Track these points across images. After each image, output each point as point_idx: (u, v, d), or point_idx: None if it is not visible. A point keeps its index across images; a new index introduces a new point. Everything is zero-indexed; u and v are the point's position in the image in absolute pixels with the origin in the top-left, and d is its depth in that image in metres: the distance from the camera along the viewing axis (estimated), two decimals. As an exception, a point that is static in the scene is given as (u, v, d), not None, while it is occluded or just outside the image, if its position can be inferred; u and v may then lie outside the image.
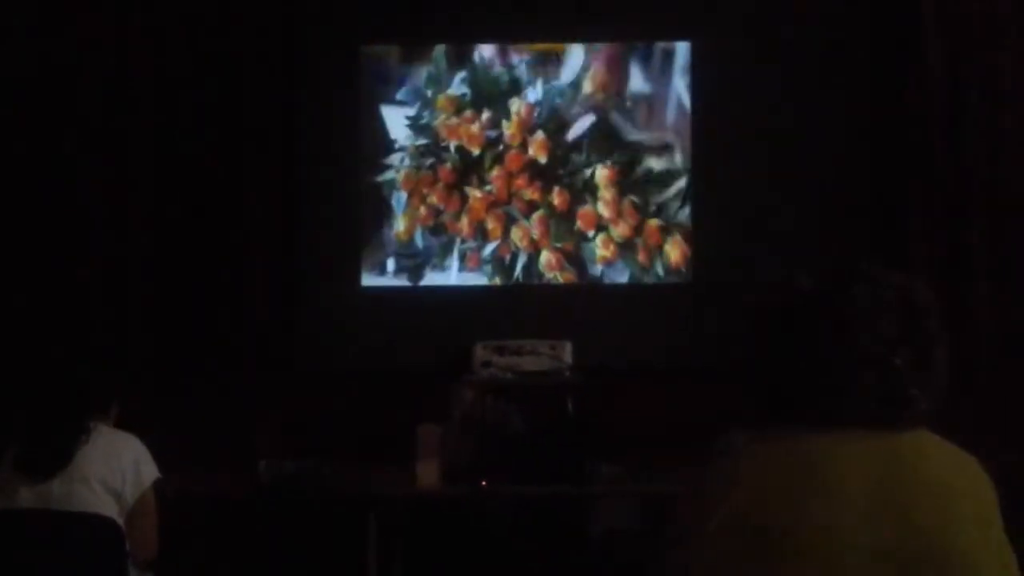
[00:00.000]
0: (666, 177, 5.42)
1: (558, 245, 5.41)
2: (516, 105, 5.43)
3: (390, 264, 5.45)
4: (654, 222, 5.40)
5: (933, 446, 1.57)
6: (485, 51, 5.44)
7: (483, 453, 4.50)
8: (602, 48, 5.41)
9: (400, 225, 5.44)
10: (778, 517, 1.47)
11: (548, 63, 5.44)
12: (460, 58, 5.44)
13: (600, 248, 5.40)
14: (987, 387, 4.90)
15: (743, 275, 4.98)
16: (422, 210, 5.44)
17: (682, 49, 5.40)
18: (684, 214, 5.40)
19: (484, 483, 4.41)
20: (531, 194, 5.43)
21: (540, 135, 5.43)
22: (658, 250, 5.41)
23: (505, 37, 5.44)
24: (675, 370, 5.17)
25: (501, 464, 4.47)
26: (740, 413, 1.64)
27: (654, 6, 5.42)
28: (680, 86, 5.41)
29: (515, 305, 5.35)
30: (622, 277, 5.41)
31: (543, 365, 4.91)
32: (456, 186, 5.45)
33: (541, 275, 5.42)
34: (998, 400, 4.89)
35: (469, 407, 4.64)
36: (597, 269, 5.41)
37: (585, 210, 5.42)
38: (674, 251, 5.40)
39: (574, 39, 5.42)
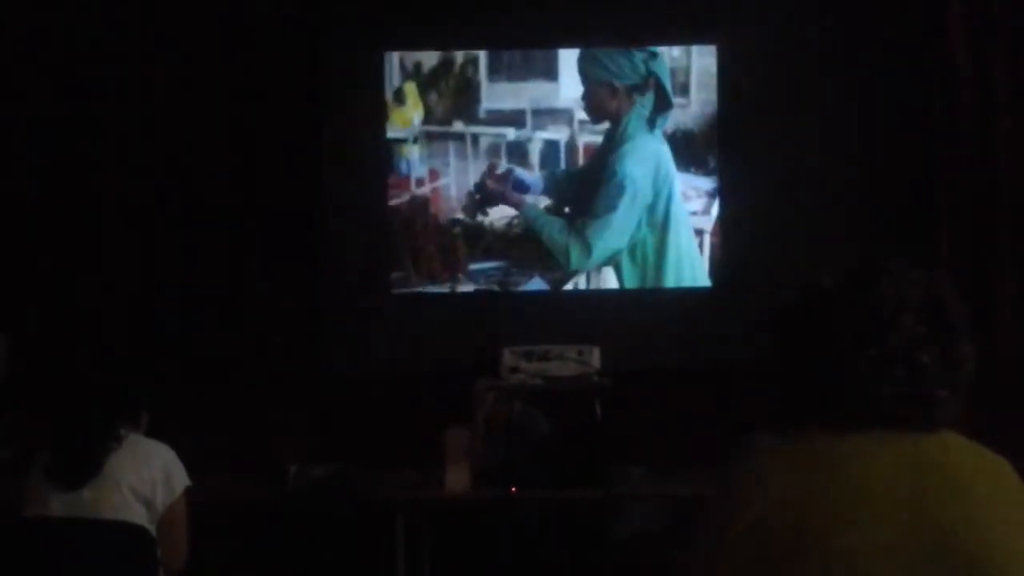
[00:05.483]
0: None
1: (586, 249, 5.42)
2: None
3: (417, 269, 5.47)
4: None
5: (961, 447, 1.55)
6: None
7: (511, 457, 4.50)
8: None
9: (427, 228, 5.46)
10: (803, 519, 1.46)
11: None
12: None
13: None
14: (1013, 386, 4.86)
15: (769, 278, 4.97)
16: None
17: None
18: (710, 218, 5.40)
19: (513, 488, 4.41)
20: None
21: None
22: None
23: (531, 42, 5.45)
24: (702, 374, 5.16)
25: (529, 468, 4.47)
26: (766, 415, 1.63)
27: (682, 9, 5.41)
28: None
29: (543, 310, 5.35)
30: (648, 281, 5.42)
31: (571, 370, 4.90)
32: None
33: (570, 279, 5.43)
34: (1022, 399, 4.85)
35: (491, 409, 4.65)
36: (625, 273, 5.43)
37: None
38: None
39: (603, 44, 5.41)
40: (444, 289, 5.47)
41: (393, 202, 5.47)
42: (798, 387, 1.59)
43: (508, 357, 4.95)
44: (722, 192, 5.40)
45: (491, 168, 5.43)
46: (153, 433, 3.47)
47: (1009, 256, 5.15)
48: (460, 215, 5.47)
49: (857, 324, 1.54)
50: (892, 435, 1.51)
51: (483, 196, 5.45)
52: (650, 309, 5.37)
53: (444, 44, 5.48)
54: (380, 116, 5.46)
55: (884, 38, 5.28)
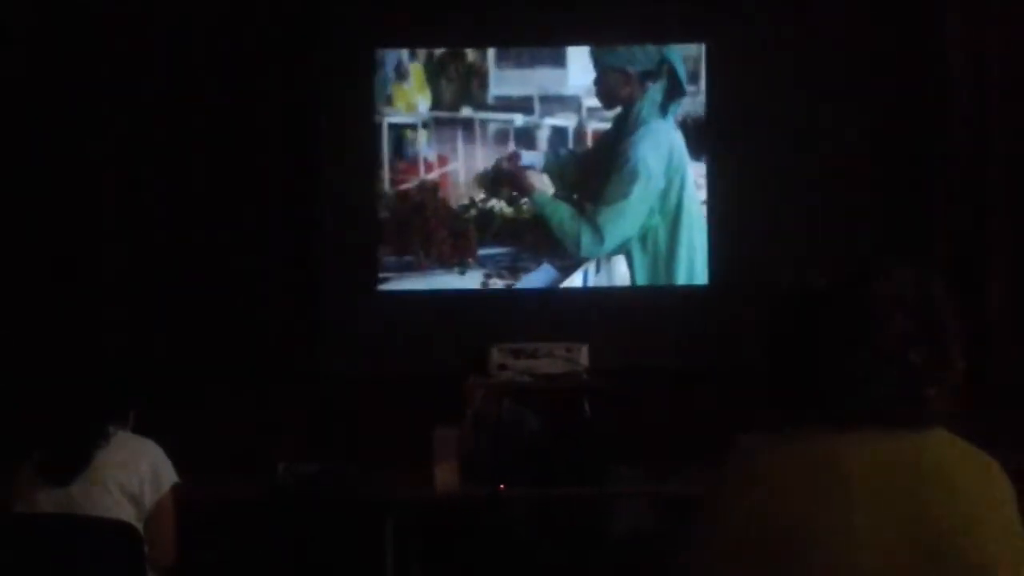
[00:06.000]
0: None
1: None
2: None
3: (407, 267, 5.46)
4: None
5: (950, 445, 1.56)
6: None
7: (500, 456, 4.50)
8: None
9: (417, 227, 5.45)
10: (794, 517, 1.46)
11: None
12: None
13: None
14: (1003, 386, 4.87)
15: (761, 277, 4.96)
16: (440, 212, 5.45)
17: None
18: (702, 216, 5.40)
19: (502, 486, 4.41)
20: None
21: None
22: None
23: (518, 40, 5.43)
24: (692, 372, 5.16)
25: (518, 467, 4.47)
26: (757, 414, 1.63)
27: (672, 8, 5.40)
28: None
29: (540, 308, 5.34)
30: (639, 279, 5.40)
31: (559, 368, 4.90)
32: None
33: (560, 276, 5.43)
34: (1014, 399, 4.86)
35: (480, 405, 4.65)
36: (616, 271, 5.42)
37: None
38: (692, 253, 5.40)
39: (590, 42, 5.41)
40: (453, 274, 5.44)
41: (402, 187, 5.46)
42: (792, 387, 1.59)
43: (496, 354, 4.96)
44: (714, 190, 5.39)
45: (511, 157, 5.44)
46: (143, 431, 3.46)
47: (1004, 257, 5.16)
48: (474, 195, 5.45)
49: (849, 324, 1.54)
50: (885, 434, 1.52)
51: (497, 176, 5.45)
52: (641, 306, 5.35)
53: (442, 43, 5.46)
54: (376, 115, 5.44)
55: (879, 35, 5.26)
